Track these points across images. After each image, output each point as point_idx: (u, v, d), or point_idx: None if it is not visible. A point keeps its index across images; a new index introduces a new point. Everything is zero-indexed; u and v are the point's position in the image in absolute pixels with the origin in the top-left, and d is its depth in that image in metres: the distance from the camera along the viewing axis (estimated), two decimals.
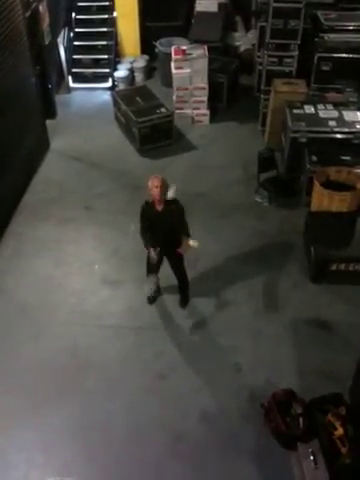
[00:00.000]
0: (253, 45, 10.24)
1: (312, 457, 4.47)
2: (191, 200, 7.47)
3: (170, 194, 5.58)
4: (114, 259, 6.72)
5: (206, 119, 9.49)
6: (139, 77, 10.86)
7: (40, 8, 8.72)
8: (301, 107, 7.74)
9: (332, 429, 4.50)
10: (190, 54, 9.05)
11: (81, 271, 6.58)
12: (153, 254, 5.29)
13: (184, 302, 6.12)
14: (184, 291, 6.10)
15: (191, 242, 5.39)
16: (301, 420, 4.66)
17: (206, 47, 9.16)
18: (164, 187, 5.20)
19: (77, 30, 10.78)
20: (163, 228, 5.35)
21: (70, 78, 10.52)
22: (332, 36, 8.34)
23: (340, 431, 4.47)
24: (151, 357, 5.56)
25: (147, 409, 5.08)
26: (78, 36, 10.78)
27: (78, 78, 10.60)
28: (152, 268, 5.73)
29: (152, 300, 6.13)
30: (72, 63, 10.60)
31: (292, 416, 4.70)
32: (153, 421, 4.98)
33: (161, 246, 5.41)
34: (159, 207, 5.30)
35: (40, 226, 7.23)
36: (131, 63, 10.87)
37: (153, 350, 5.63)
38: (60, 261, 6.71)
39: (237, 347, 5.64)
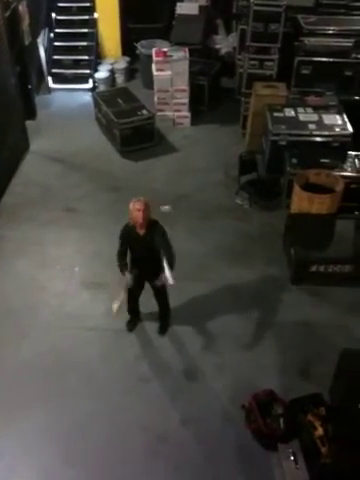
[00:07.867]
0: (234, 48, 10.29)
1: (293, 457, 4.53)
2: (173, 202, 7.53)
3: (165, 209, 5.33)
4: (96, 261, 6.69)
5: (187, 121, 9.50)
6: (120, 79, 10.81)
7: (20, 8, 8.63)
8: (281, 110, 7.79)
9: (312, 429, 4.55)
10: (171, 56, 9.07)
11: (63, 273, 6.54)
12: (128, 278, 5.21)
13: (163, 330, 5.81)
14: (164, 319, 5.82)
15: (169, 279, 4.87)
16: (282, 420, 4.72)
17: (187, 49, 9.15)
18: (147, 210, 4.88)
19: (57, 31, 10.68)
20: (144, 252, 5.12)
21: (50, 79, 10.43)
22: (312, 40, 8.43)
23: (320, 431, 4.52)
24: (132, 359, 5.56)
25: (129, 411, 5.08)
26: (58, 37, 10.68)
27: (58, 79, 10.50)
28: (132, 296, 5.60)
29: (132, 327, 5.84)
30: (52, 64, 10.51)
31: (273, 417, 4.75)
32: (135, 423, 4.98)
33: (142, 271, 5.28)
34: (141, 231, 5.02)
35: (21, 228, 7.16)
36: (112, 64, 10.83)
37: (134, 352, 5.64)
38: (42, 263, 6.66)
39: (219, 348, 5.67)
